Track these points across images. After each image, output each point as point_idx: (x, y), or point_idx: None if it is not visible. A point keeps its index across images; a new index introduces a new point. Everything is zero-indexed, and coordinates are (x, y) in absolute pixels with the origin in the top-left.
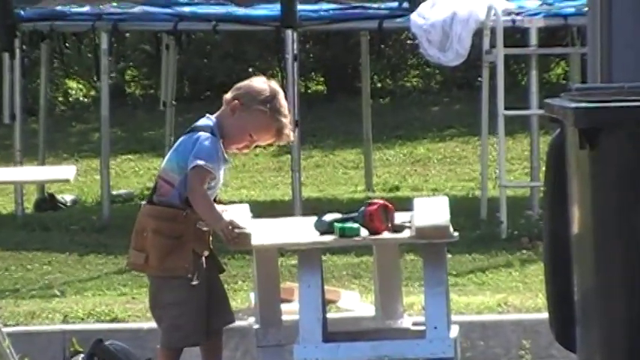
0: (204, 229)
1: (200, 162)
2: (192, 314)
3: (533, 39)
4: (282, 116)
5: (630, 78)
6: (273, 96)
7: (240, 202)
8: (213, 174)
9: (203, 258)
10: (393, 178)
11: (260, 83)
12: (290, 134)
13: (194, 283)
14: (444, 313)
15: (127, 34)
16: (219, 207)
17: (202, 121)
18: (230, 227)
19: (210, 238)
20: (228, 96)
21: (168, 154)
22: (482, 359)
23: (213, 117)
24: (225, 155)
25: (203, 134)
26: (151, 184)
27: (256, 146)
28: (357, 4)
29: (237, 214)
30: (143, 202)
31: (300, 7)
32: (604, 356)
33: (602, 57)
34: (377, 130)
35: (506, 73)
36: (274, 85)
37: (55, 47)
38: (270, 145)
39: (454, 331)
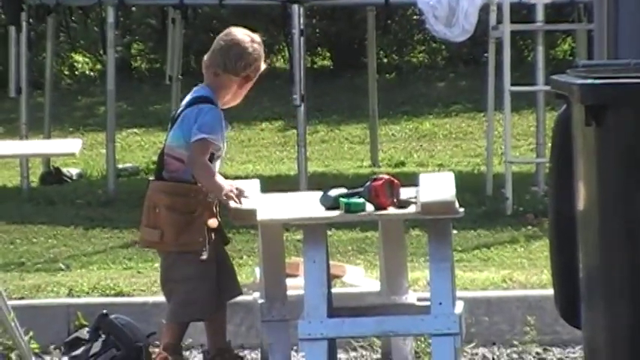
0: (212, 199)
1: (203, 135)
2: (206, 288)
3: (540, 15)
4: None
5: (637, 54)
6: (260, 44)
7: (246, 177)
8: (216, 145)
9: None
10: (398, 154)
11: (242, 39)
12: None
13: (203, 257)
14: (449, 289)
15: (134, 8)
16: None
17: (199, 92)
18: (233, 191)
19: (218, 209)
20: (215, 64)
21: (173, 130)
22: (486, 335)
23: (206, 85)
24: (225, 121)
25: (205, 106)
26: (156, 158)
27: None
28: None
29: (246, 188)
30: (151, 179)
31: None
32: (608, 332)
33: (609, 33)
34: (383, 105)
35: (513, 49)
36: (251, 34)
37: (61, 21)
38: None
39: (459, 307)
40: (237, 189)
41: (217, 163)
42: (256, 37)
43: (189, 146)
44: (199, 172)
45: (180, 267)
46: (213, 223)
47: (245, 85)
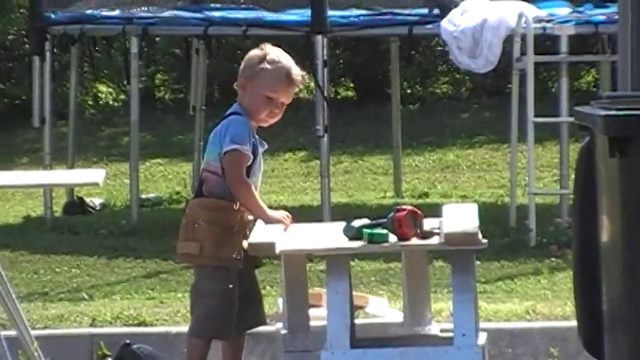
0: (250, 218)
1: (233, 146)
2: (229, 307)
3: (564, 46)
4: (283, 62)
5: None
6: (265, 53)
7: (270, 207)
8: (248, 155)
9: None
10: (422, 185)
11: (252, 52)
12: (300, 73)
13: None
14: (472, 320)
15: (157, 39)
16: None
17: (230, 109)
18: (284, 218)
19: (249, 231)
20: (236, 83)
21: (208, 147)
22: None
23: (237, 103)
24: (260, 139)
25: (232, 117)
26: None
27: (285, 108)
28: (387, 10)
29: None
30: (190, 197)
31: (330, 12)
32: None
33: (633, 65)
34: (406, 136)
35: (536, 81)
36: (266, 45)
37: (85, 51)
38: (289, 105)
39: (482, 339)
40: (287, 216)
41: (259, 176)
42: (268, 47)
43: (222, 158)
44: (240, 191)
45: (210, 282)
46: (245, 243)
47: (247, 88)
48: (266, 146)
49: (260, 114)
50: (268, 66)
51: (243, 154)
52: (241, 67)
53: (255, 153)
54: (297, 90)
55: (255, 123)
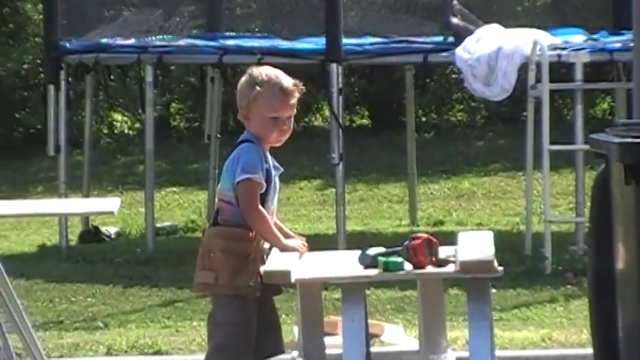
0: (266, 246)
1: (245, 175)
2: (245, 336)
3: (579, 74)
4: (273, 78)
5: None
6: (255, 76)
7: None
8: (261, 183)
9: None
10: (437, 213)
11: (241, 80)
12: (292, 82)
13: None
14: (488, 348)
15: (172, 67)
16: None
17: (241, 138)
18: (300, 247)
19: (266, 258)
20: (238, 115)
21: (222, 177)
22: None
23: (245, 132)
24: (275, 162)
25: (243, 146)
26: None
27: (293, 120)
28: (402, 38)
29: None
30: (207, 226)
31: (344, 40)
32: None
33: None
34: (421, 164)
35: (552, 108)
36: (252, 69)
37: (100, 79)
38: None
39: None
40: (303, 244)
41: (275, 200)
42: (254, 70)
43: (236, 188)
44: (255, 221)
45: (227, 311)
46: (262, 271)
47: (250, 116)
48: (281, 169)
49: (270, 136)
50: (260, 89)
51: (256, 183)
52: (237, 98)
53: (269, 178)
54: (296, 99)
55: (268, 145)
